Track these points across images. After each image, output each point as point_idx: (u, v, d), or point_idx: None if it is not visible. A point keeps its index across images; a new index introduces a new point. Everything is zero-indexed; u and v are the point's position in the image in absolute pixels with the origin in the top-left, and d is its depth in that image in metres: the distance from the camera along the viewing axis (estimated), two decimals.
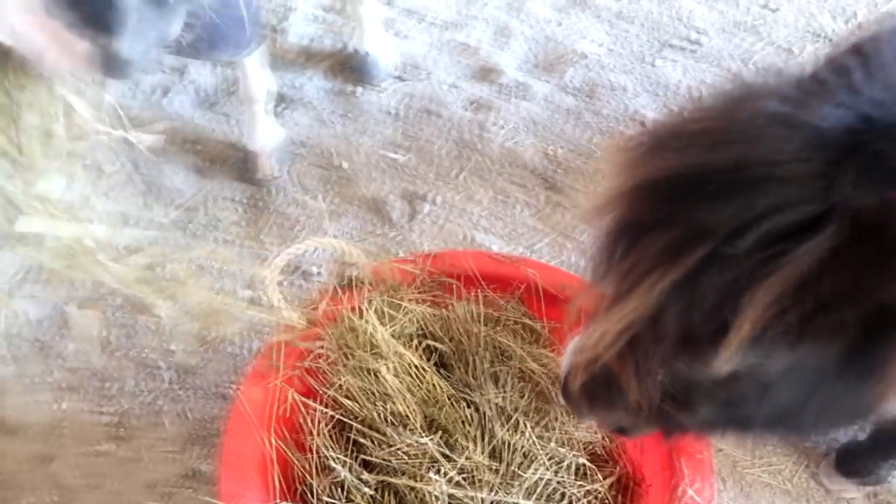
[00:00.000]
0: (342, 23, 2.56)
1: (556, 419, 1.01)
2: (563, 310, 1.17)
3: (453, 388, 1.06)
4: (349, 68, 2.38)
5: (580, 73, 2.39)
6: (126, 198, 2.06)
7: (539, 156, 2.15)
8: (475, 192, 2.06)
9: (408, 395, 1.01)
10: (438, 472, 0.93)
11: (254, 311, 1.79)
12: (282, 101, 2.30)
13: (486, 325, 1.10)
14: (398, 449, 0.97)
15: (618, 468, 1.05)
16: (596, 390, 0.86)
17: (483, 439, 0.98)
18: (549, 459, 0.96)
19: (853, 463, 1.45)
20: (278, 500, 0.96)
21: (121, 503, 1.49)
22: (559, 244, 1.94)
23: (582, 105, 2.29)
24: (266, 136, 2.07)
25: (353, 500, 0.99)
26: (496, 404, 1.01)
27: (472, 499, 0.93)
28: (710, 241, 0.61)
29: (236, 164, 2.12)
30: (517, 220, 2.00)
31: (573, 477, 1.00)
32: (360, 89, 2.34)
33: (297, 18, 2.57)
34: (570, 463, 0.99)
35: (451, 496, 0.94)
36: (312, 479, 0.99)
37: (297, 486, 1.03)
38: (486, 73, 2.39)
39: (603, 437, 1.09)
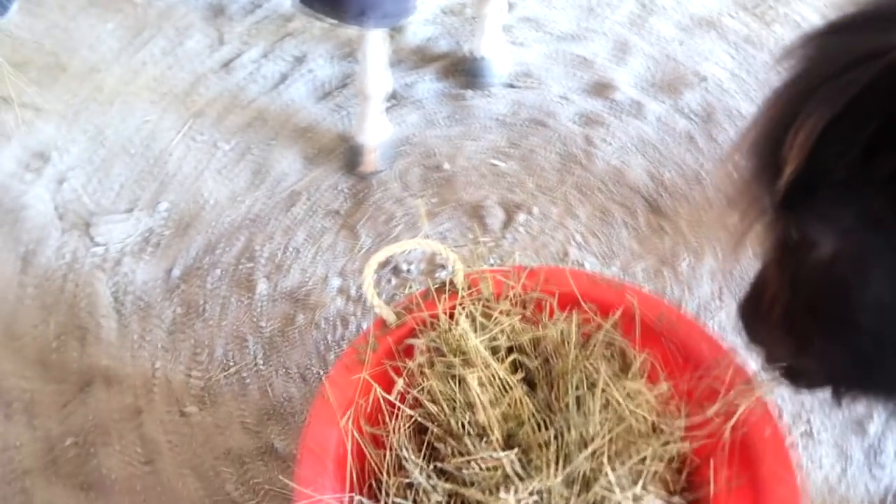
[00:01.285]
0: (459, 25, 2.58)
1: (640, 455, 0.98)
2: (657, 341, 1.12)
3: (536, 407, 1.04)
4: (462, 71, 2.39)
5: (698, 95, 2.30)
6: (236, 176, 2.15)
7: (645, 177, 2.09)
8: (575, 206, 2.03)
9: (490, 408, 1.00)
10: (510, 490, 0.91)
11: (342, 300, 1.84)
12: (393, 98, 2.33)
13: (576, 347, 1.07)
14: (474, 459, 0.96)
15: None
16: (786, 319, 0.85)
17: (559, 464, 0.96)
18: (623, 493, 0.92)
19: None
20: (351, 493, 0.97)
21: (197, 465, 1.55)
22: (656, 269, 1.87)
23: (696, 129, 2.21)
24: (375, 131, 2.10)
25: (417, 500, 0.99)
26: (579, 432, 0.98)
27: None
28: None
29: (343, 155, 2.17)
30: (614, 239, 1.95)
31: None
32: (470, 93, 2.34)
33: (415, 18, 2.60)
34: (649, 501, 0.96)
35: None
36: (385, 476, 0.99)
37: (369, 479, 1.04)
38: (599, 88, 2.35)
39: (683, 472, 1.04)
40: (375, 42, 1.95)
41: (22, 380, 1.69)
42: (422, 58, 2.49)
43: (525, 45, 2.51)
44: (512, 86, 2.37)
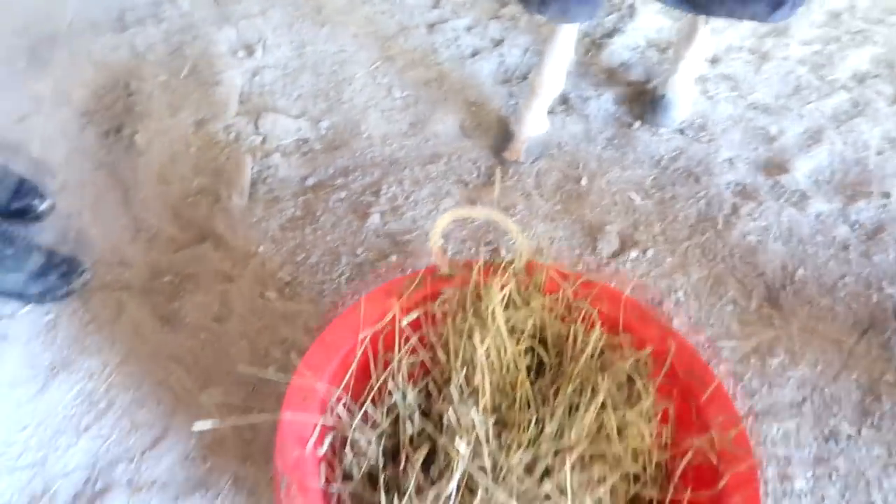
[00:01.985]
0: (657, 61, 2.56)
1: (604, 478, 0.97)
2: (677, 392, 1.10)
3: (531, 395, 1.06)
4: (640, 102, 2.38)
5: (873, 210, 2.14)
6: (396, 121, 2.30)
7: (777, 266, 1.98)
8: (690, 265, 1.97)
9: (487, 375, 1.04)
10: (470, 447, 0.96)
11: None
12: (564, 102, 2.38)
13: (593, 359, 1.08)
14: (454, 412, 1.01)
15: None
16: None
17: (526, 448, 0.98)
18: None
19: None
20: (341, 390, 1.06)
21: (254, 339, 1.71)
22: (744, 355, 1.78)
23: (855, 241, 2.06)
24: (531, 124, 2.16)
25: (396, 428, 1.06)
26: (558, 430, 1.00)
27: (485, 490, 0.94)
28: None
29: (494, 136, 2.25)
30: (716, 311, 1.87)
31: None
32: (638, 124, 2.33)
33: (619, 40, 2.63)
34: None
35: (468, 476, 0.96)
36: (374, 392, 1.07)
37: (362, 396, 1.12)
38: (770, 167, 2.25)
39: None
40: (563, 42, 2.01)
41: (154, 216, 1.95)
42: (608, 78, 2.51)
43: (713, 99, 2.45)
44: (682, 132, 2.33)
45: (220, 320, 1.75)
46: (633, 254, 1.99)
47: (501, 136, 2.23)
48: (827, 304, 1.91)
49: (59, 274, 1.66)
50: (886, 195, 2.18)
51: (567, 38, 1.99)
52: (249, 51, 2.47)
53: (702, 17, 2.12)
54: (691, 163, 2.25)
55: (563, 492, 0.95)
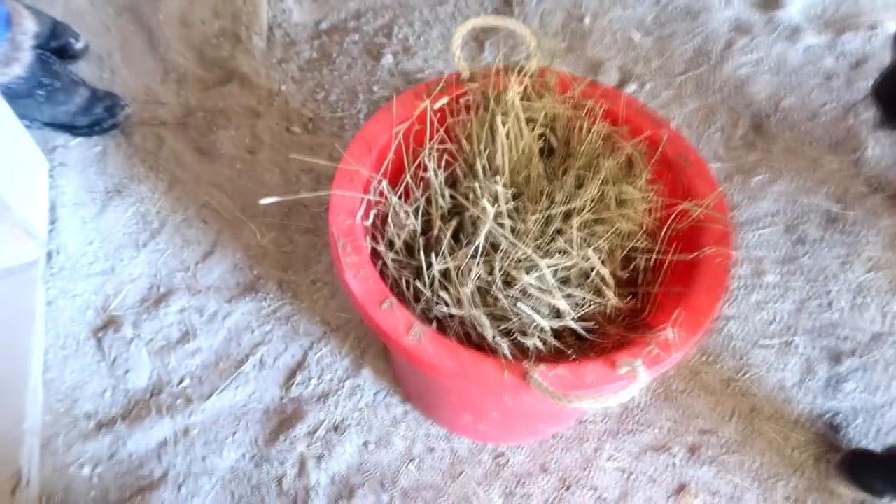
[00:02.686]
0: None
1: (607, 227, 1.17)
2: (669, 173, 1.28)
3: (544, 172, 1.24)
4: None
5: (859, 42, 2.25)
6: None
7: (764, 96, 2.12)
8: (685, 97, 2.11)
9: (507, 153, 1.21)
10: (493, 205, 1.15)
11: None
12: None
13: (601, 147, 1.25)
14: (479, 186, 1.19)
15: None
16: None
17: (540, 213, 1.17)
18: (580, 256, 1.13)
19: (861, 473, 1.45)
20: (382, 176, 1.23)
21: (285, 168, 1.87)
22: (728, 174, 1.96)
23: (840, 71, 2.19)
24: None
25: (429, 208, 1.24)
26: (566, 198, 1.18)
27: (508, 244, 1.14)
28: None
29: None
30: (705, 137, 2.03)
31: (587, 289, 1.17)
32: None
33: None
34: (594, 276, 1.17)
35: (492, 234, 1.15)
36: (408, 168, 1.25)
37: (398, 179, 1.29)
38: (765, 2, 2.33)
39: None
40: None
41: (181, 57, 2.05)
42: None
43: None
44: None
45: (252, 151, 1.90)
46: (632, 87, 2.12)
47: None
48: (808, 129, 2.07)
49: (103, 107, 1.80)
50: (873, 27, 2.28)
51: None
52: None
53: None
54: (690, 1, 2.33)
55: (570, 246, 1.15)
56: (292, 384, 1.57)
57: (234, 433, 1.51)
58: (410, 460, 1.50)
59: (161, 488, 1.43)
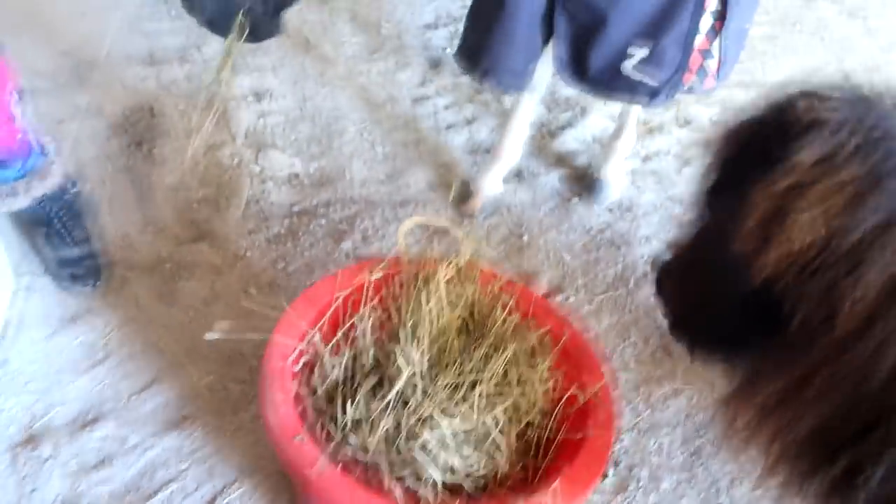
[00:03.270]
0: (599, 153, 3.07)
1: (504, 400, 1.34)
2: (567, 366, 1.48)
3: (459, 348, 1.44)
4: (579, 182, 2.86)
5: None
6: (376, 170, 2.72)
7: None
8: (602, 312, 2.37)
9: (428, 327, 1.41)
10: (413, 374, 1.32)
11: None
12: (517, 175, 2.83)
13: (505, 327, 1.47)
14: (401, 351, 1.37)
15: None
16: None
17: (448, 378, 1.35)
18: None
19: None
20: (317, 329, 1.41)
21: (236, 321, 2.03)
22: (635, 383, 2.16)
23: None
24: (489, 185, 2.61)
25: (355, 366, 1.41)
26: (474, 371, 1.37)
27: (418, 402, 1.30)
28: None
29: (457, 193, 2.68)
30: (618, 351, 2.27)
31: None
32: (576, 199, 2.79)
33: (570, 133, 3.13)
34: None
35: (405, 393, 1.31)
36: (341, 333, 1.43)
37: (332, 337, 1.47)
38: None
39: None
40: (522, 118, 2.49)
41: (162, 215, 2.29)
42: (557, 161, 2.99)
43: (640, 189, 2.94)
44: (611, 210, 2.79)
45: (208, 304, 2.08)
46: (559, 298, 2.39)
47: (462, 190, 2.66)
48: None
49: (87, 269, 1.98)
50: None
51: (525, 114, 2.47)
52: (259, 97, 2.89)
53: (630, 118, 2.64)
54: (615, 235, 2.70)
55: (472, 409, 1.31)
56: None
57: None
58: None
59: None
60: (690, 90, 2.16)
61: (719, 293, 1.12)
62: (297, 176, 2.62)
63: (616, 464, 1.93)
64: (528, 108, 2.48)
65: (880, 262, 0.86)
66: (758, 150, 1.01)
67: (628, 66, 1.91)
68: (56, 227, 1.91)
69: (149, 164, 2.45)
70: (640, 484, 1.90)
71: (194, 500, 1.64)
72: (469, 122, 3.08)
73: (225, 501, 1.65)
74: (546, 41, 2.09)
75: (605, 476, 1.90)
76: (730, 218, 1.03)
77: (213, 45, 3.05)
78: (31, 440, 1.65)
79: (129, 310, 1.99)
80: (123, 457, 1.68)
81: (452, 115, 3.09)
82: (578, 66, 2.00)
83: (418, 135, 2.95)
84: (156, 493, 1.63)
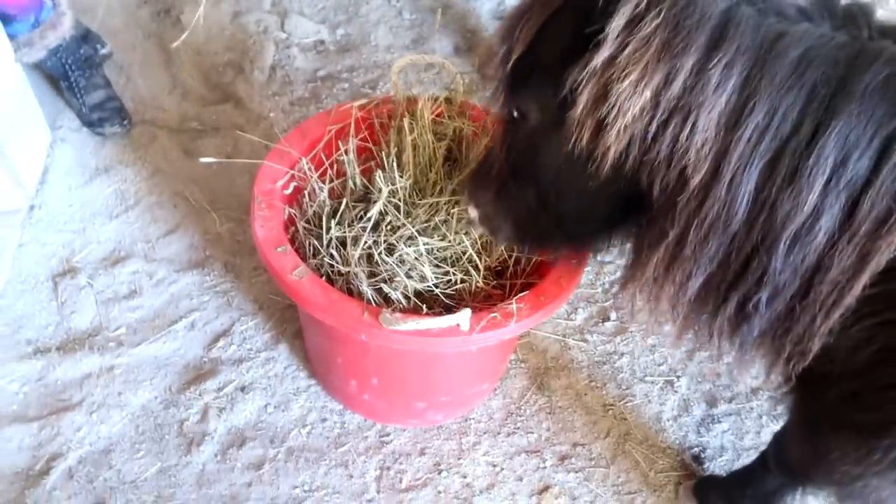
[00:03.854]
0: None
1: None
2: None
3: (441, 172, 1.48)
4: None
5: None
6: (401, 36, 2.71)
7: None
8: None
9: (411, 153, 1.45)
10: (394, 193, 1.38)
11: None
12: None
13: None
14: (386, 176, 1.43)
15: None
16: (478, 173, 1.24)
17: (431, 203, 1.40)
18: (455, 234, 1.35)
19: (708, 496, 1.56)
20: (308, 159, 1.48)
21: (255, 175, 2.13)
22: None
23: None
24: None
25: (343, 193, 1.48)
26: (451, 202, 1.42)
27: (396, 217, 1.37)
28: None
29: (482, 57, 2.64)
30: None
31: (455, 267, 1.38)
32: None
33: None
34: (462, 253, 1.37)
35: (383, 212, 1.38)
36: (330, 162, 1.49)
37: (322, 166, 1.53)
38: None
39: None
40: None
41: (189, 77, 2.38)
42: None
43: None
44: None
45: (231, 157, 2.17)
46: None
47: (487, 57, 2.63)
48: None
49: (114, 113, 2.10)
50: None
51: None
52: None
53: None
54: None
55: (449, 229, 1.36)
56: (214, 347, 1.75)
57: (152, 378, 1.68)
58: (303, 426, 1.65)
59: (76, 411, 1.60)
60: None
61: (571, 203, 1.09)
62: (322, 42, 2.64)
63: (618, 309, 1.97)
64: None
65: (707, 100, 0.86)
66: (561, 32, 0.96)
67: None
68: (75, 77, 2.03)
69: (177, 30, 2.52)
70: (642, 328, 1.94)
71: (213, 326, 1.79)
72: None
73: (242, 328, 1.79)
74: None
75: (606, 319, 1.95)
76: (547, 115, 1.00)
77: None
78: (69, 271, 1.82)
79: (157, 162, 2.11)
80: (151, 289, 1.83)
81: None
82: None
83: (446, 0, 2.89)
84: (180, 319, 1.79)
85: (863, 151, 0.84)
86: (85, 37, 2.21)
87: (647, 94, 0.88)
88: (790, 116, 0.86)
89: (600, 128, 0.92)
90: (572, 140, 0.95)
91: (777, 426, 1.76)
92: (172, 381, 1.68)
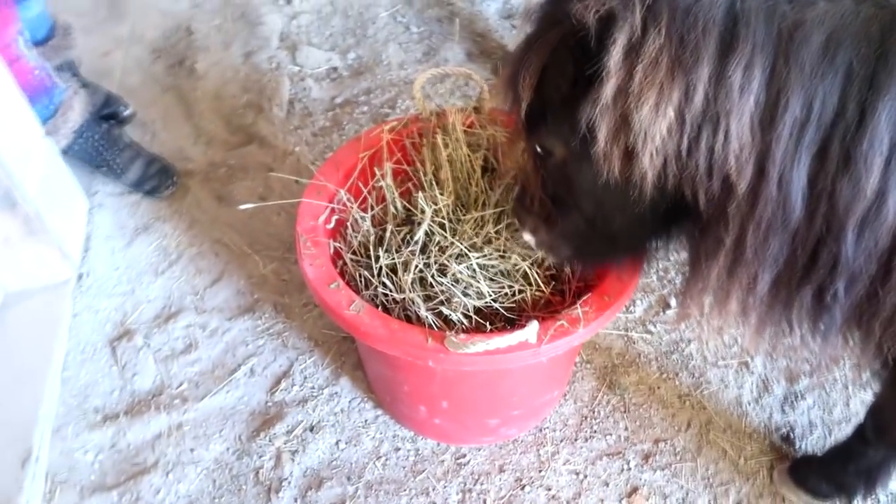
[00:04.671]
0: None
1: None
2: None
3: (482, 187, 1.44)
4: None
5: None
6: (411, 51, 2.69)
7: None
8: None
9: (448, 170, 1.42)
10: (438, 212, 1.35)
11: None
12: None
13: None
14: (427, 195, 1.40)
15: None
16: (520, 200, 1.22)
17: (477, 218, 1.37)
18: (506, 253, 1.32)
19: (807, 477, 1.49)
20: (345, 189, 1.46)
21: (291, 213, 2.12)
22: None
23: None
24: None
25: (385, 219, 1.45)
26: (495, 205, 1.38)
27: (443, 237, 1.33)
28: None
29: (496, 60, 2.61)
30: None
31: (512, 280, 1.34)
32: None
33: None
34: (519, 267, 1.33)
35: (429, 232, 1.35)
36: (369, 189, 1.47)
37: (360, 194, 1.51)
38: None
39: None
40: None
41: (211, 124, 2.39)
42: None
43: None
44: None
45: (264, 198, 2.17)
46: None
47: (503, 59, 2.60)
48: None
49: (160, 176, 2.12)
50: None
51: None
52: (288, 0, 2.90)
53: None
54: None
55: (500, 242, 1.32)
56: (277, 390, 1.74)
57: (221, 430, 1.67)
58: (377, 458, 1.62)
59: (152, 473, 1.59)
60: None
61: (621, 223, 1.07)
62: (335, 69, 2.63)
63: (685, 316, 1.91)
64: None
65: (735, 106, 0.83)
66: (563, 73, 0.94)
67: None
68: (109, 157, 2.05)
69: (192, 79, 2.54)
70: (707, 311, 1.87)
71: (273, 369, 1.78)
72: None
73: (301, 367, 1.78)
74: None
75: (667, 307, 1.89)
76: (572, 151, 0.99)
77: None
78: (125, 334, 1.83)
79: (193, 213, 2.11)
80: (206, 340, 1.83)
81: None
82: None
83: (452, 8, 2.87)
84: (238, 366, 1.78)
85: None
86: (107, 101, 2.23)
87: (671, 113, 0.85)
88: (830, 104, 0.82)
89: (630, 156, 0.90)
90: (603, 172, 0.94)
91: (866, 395, 1.69)
92: (241, 430, 1.67)
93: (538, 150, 1.08)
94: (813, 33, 0.82)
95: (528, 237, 1.26)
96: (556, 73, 0.96)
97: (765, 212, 0.88)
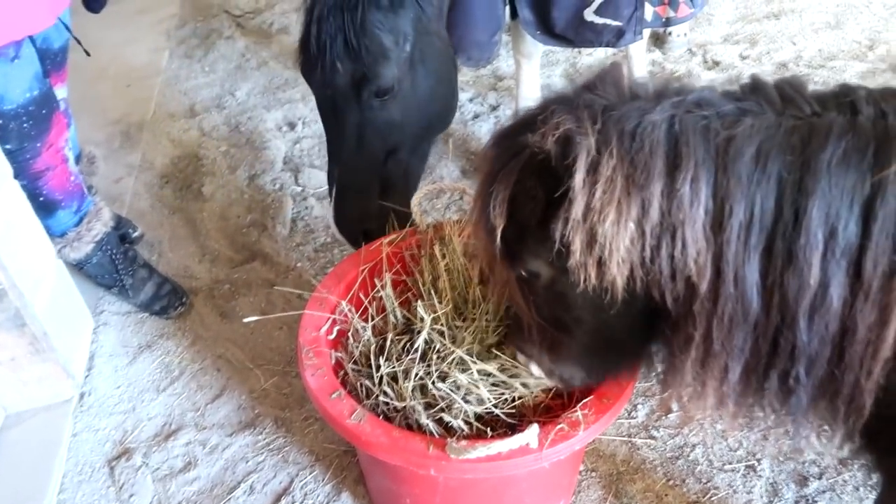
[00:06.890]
0: None
1: None
2: None
3: (480, 291, 1.49)
4: None
5: None
6: None
7: None
8: None
9: (446, 280, 1.47)
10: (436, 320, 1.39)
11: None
12: None
13: None
14: (425, 304, 1.44)
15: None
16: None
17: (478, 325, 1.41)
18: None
19: None
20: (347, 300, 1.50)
21: (292, 328, 2.15)
22: None
23: None
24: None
25: (385, 328, 1.48)
26: (496, 318, 1.42)
27: (443, 344, 1.36)
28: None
29: None
30: None
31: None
32: None
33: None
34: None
35: (429, 340, 1.38)
36: (369, 300, 1.51)
37: (360, 305, 1.55)
38: None
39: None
40: (528, 86, 2.56)
41: (216, 243, 2.47)
42: None
43: None
44: None
45: (266, 313, 2.21)
46: None
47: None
48: None
49: (170, 297, 2.18)
50: None
51: (530, 82, 2.53)
52: (292, 126, 3.07)
53: (634, 62, 2.64)
54: None
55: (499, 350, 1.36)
56: None
57: None
58: None
59: None
60: (668, 22, 2.16)
61: (616, 331, 1.12)
62: None
63: (665, 407, 1.91)
64: (530, 76, 2.54)
65: (688, 216, 0.92)
66: (533, 197, 1.01)
67: (590, 13, 1.96)
68: (122, 275, 2.11)
69: (199, 201, 2.65)
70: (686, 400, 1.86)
71: (273, 486, 1.75)
72: (493, 108, 3.14)
73: (301, 484, 1.75)
74: (513, 10, 2.15)
75: (670, 411, 1.88)
76: (553, 268, 1.06)
77: (245, 88, 3.27)
78: (124, 453, 1.81)
79: (196, 329, 2.15)
80: (206, 457, 1.81)
81: (477, 106, 3.16)
82: (545, 24, 2.06)
83: (446, 130, 3.03)
84: (238, 484, 1.75)
85: (847, 220, 0.88)
86: (118, 224, 2.32)
87: (631, 226, 0.94)
88: (768, 207, 0.91)
89: (601, 266, 0.97)
90: (581, 282, 1.00)
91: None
92: None
93: (524, 275, 1.12)
94: (744, 146, 0.91)
95: (535, 370, 1.27)
96: (526, 198, 1.02)
97: (726, 307, 0.94)
